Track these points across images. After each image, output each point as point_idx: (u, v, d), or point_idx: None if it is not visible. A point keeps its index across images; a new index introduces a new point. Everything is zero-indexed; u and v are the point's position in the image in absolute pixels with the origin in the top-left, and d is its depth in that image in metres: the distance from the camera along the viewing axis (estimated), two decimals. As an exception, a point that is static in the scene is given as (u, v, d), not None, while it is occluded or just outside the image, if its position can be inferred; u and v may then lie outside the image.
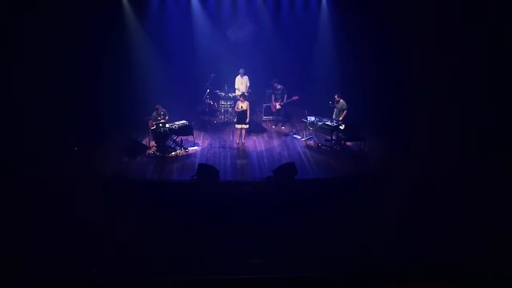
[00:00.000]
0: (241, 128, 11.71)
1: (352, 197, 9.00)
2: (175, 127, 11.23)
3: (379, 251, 7.29)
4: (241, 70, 13.41)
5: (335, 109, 11.76)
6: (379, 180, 9.43)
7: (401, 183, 9.01)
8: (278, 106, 13.03)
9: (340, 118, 11.51)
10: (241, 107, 11.51)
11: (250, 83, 13.49)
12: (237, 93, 13.14)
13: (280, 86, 12.88)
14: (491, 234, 7.08)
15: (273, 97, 13.17)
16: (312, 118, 11.87)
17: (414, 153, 10.50)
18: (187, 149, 11.37)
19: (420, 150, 10.43)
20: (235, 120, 12.10)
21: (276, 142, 12.09)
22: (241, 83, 13.44)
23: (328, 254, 7.42)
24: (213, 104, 13.50)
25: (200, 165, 9.78)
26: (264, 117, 13.79)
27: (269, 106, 13.52)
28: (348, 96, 11.82)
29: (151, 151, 11.12)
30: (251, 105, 11.83)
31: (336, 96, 11.62)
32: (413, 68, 11.25)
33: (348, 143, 11.64)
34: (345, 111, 11.50)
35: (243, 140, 11.84)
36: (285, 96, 12.85)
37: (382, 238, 7.61)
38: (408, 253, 7.13)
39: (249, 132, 12.34)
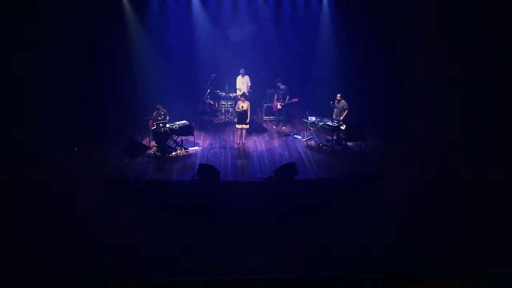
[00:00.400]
0: (242, 128, 11.71)
1: (352, 197, 9.00)
2: (175, 127, 11.23)
3: (379, 251, 7.29)
4: (242, 70, 13.43)
5: (335, 109, 11.79)
6: (379, 180, 9.45)
7: (401, 183, 9.01)
8: (279, 106, 13.07)
9: (341, 118, 11.54)
10: (242, 107, 11.52)
11: (251, 83, 13.53)
12: (238, 93, 13.16)
13: (283, 86, 12.91)
14: (491, 234, 7.08)
15: (275, 97, 13.20)
16: (313, 118, 11.87)
17: (414, 153, 10.50)
18: (187, 149, 11.38)
19: (420, 150, 10.43)
20: (236, 120, 12.09)
21: (276, 142, 12.10)
22: (242, 83, 13.46)
23: (328, 254, 7.43)
24: (214, 104, 13.52)
25: (201, 165, 9.78)
26: (265, 117, 13.81)
27: (270, 106, 13.55)
28: (349, 96, 11.83)
29: (151, 151, 11.14)
30: (251, 105, 11.83)
31: (338, 95, 11.65)
32: (414, 68, 11.25)
33: (349, 143, 11.66)
34: (346, 111, 11.53)
35: (243, 140, 11.84)
36: (287, 96, 12.88)
37: (382, 238, 7.61)
38: (408, 253, 7.13)
39: (249, 132, 12.36)
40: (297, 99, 12.78)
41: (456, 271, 5.49)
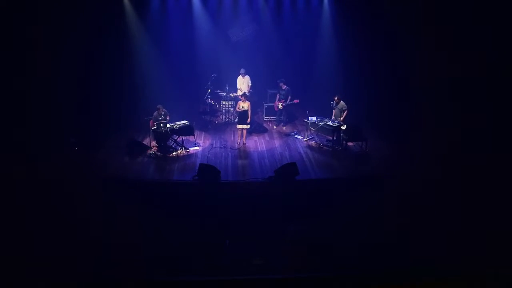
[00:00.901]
0: (242, 128, 11.74)
1: (353, 197, 9.01)
2: (176, 127, 11.24)
3: (379, 251, 7.30)
4: (242, 70, 13.45)
5: (334, 110, 11.79)
6: (380, 181, 9.45)
7: (401, 183, 9.02)
8: (280, 106, 13.11)
9: (341, 119, 11.55)
10: (242, 107, 11.52)
11: (251, 83, 13.55)
12: (239, 93, 13.16)
13: (285, 86, 12.94)
14: (491, 234, 7.10)
15: (277, 97, 13.24)
16: (314, 119, 11.91)
17: (414, 153, 10.51)
18: (188, 149, 11.40)
19: (420, 150, 10.44)
20: (236, 120, 12.14)
21: (277, 143, 12.14)
22: (243, 83, 13.48)
23: (328, 254, 7.46)
24: (214, 104, 13.57)
25: (201, 165, 9.79)
26: (266, 117, 13.87)
27: (271, 106, 13.61)
28: (350, 95, 11.81)
29: (152, 151, 11.15)
30: (252, 105, 11.86)
31: (336, 97, 11.66)
32: (414, 68, 11.25)
33: (350, 144, 11.68)
34: (345, 112, 11.54)
35: (244, 141, 11.88)
36: (289, 97, 12.92)
37: (382, 238, 7.62)
38: (408, 253, 7.16)
39: (250, 132, 12.40)
40: (298, 101, 12.84)
41: (456, 271, 5.56)
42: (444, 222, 7.78)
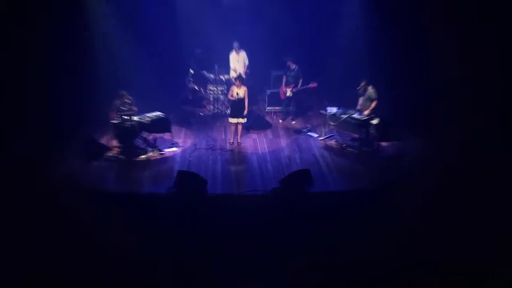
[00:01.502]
0: (237, 123, 11.89)
1: (376, 207, 9.28)
2: (146, 120, 11.40)
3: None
4: (236, 44, 13.68)
5: (361, 98, 11.95)
6: (416, 191, 9.67)
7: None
8: (289, 93, 13.25)
9: (366, 112, 11.70)
10: (237, 94, 11.60)
11: (248, 61, 13.80)
12: (233, 74, 13.35)
13: (295, 66, 13.17)
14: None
15: (284, 80, 13.37)
16: (334, 110, 12.12)
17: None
18: (162, 150, 11.53)
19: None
20: (229, 111, 12.31)
21: (284, 142, 12.36)
22: (238, 61, 13.77)
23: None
24: (199, 89, 13.87)
25: (180, 172, 9.87)
26: (269, 108, 14.13)
27: (276, 93, 13.79)
28: (379, 82, 11.96)
29: (112, 153, 11.24)
30: (250, 92, 11.95)
31: (363, 83, 11.81)
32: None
33: (383, 144, 11.82)
34: (374, 102, 11.67)
35: (239, 139, 12.08)
36: (300, 80, 13.07)
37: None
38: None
39: (247, 128, 12.63)
40: (315, 84, 12.94)
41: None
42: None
